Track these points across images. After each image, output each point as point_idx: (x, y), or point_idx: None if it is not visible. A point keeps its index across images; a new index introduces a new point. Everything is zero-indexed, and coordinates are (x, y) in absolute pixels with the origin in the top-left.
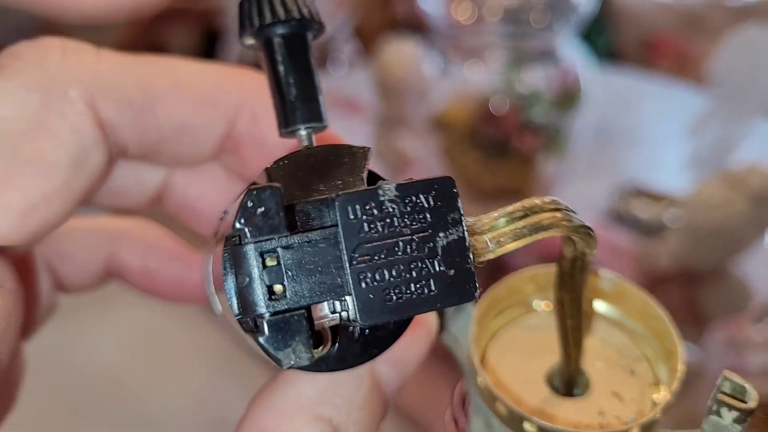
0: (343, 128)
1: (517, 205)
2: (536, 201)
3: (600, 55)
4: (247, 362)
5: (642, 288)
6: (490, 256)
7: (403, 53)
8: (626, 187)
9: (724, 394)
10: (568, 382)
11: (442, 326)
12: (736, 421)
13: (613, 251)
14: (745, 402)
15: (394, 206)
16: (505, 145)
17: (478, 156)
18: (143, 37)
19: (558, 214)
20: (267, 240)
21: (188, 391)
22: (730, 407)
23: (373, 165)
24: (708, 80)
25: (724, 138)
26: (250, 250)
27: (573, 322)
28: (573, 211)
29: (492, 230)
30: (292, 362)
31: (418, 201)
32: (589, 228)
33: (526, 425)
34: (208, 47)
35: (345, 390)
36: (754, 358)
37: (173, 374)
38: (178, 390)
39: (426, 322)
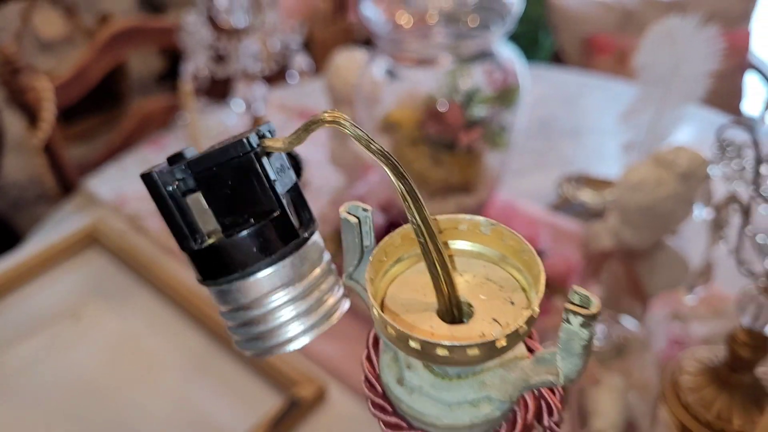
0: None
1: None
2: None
3: (546, 56)
4: (223, 363)
5: (518, 233)
6: (280, 147)
7: (353, 59)
8: (573, 177)
9: (572, 304)
10: (454, 313)
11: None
12: (582, 325)
13: (563, 236)
14: (589, 309)
15: None
16: (452, 142)
17: (427, 153)
18: (103, 56)
19: (327, 116)
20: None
21: (166, 395)
22: (576, 314)
23: (332, 170)
24: (636, 71)
25: (656, 125)
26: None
27: (435, 255)
28: (357, 125)
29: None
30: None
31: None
32: (369, 142)
33: (411, 343)
34: (170, 65)
35: None
36: (696, 328)
37: (150, 379)
38: (156, 394)
39: None
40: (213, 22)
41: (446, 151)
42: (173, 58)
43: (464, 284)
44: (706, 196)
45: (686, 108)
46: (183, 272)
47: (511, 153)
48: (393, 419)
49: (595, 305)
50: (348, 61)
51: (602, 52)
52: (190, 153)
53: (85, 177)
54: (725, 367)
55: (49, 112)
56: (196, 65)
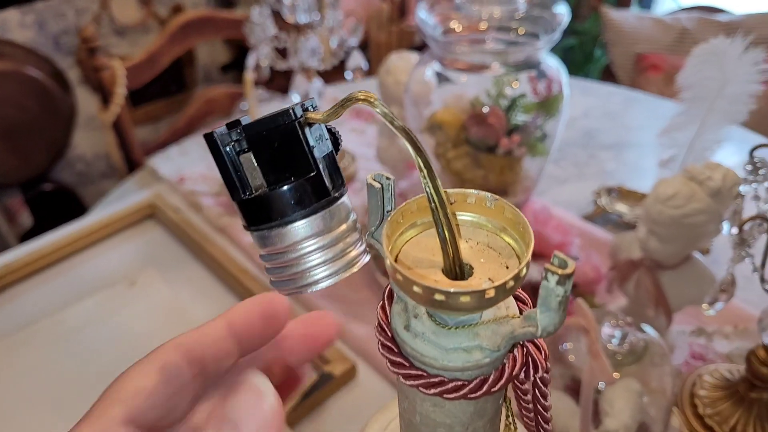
0: (350, 130)
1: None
2: (354, 92)
3: (598, 71)
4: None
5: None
6: (319, 119)
7: (406, 61)
8: (610, 189)
9: (551, 265)
10: (456, 271)
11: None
12: (558, 283)
13: (594, 244)
14: (564, 269)
15: None
16: (493, 145)
17: (468, 154)
18: (173, 43)
19: (360, 95)
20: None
21: None
22: (553, 273)
23: (379, 167)
24: (679, 88)
25: (696, 144)
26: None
27: (443, 220)
28: (385, 105)
29: (326, 111)
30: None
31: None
32: (393, 121)
33: (415, 288)
34: (235, 56)
35: None
36: (719, 345)
37: None
38: None
39: (255, 388)
40: (278, 17)
41: (486, 154)
42: (238, 49)
43: (467, 249)
44: (736, 214)
45: (728, 129)
46: (231, 249)
47: (550, 161)
48: (398, 359)
49: (570, 266)
50: (401, 62)
51: (653, 71)
52: (246, 121)
53: (149, 156)
54: (744, 383)
55: (120, 91)
56: (258, 57)
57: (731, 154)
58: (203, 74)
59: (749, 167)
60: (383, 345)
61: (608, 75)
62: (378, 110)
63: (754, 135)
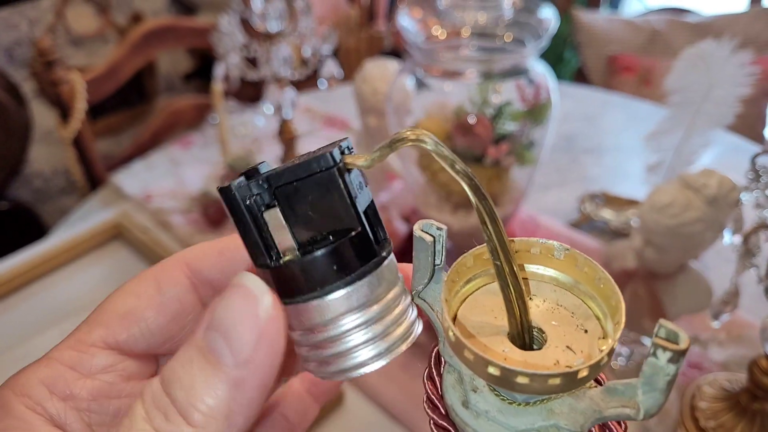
0: (325, 140)
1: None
2: (403, 131)
3: (570, 73)
4: None
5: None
6: (363, 164)
7: (383, 69)
8: (594, 195)
9: (660, 338)
10: (526, 338)
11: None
12: (670, 360)
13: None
14: (678, 344)
15: None
16: (480, 155)
17: None
18: (135, 54)
19: (410, 134)
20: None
21: None
22: (665, 349)
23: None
24: (665, 94)
25: (683, 148)
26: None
27: (510, 279)
28: (441, 144)
29: (371, 154)
30: None
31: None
32: (455, 165)
33: (490, 369)
34: (198, 65)
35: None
36: (715, 353)
37: None
38: None
39: (248, 290)
40: (247, 25)
41: (473, 164)
42: (201, 57)
43: (534, 309)
44: (737, 222)
45: (714, 132)
46: None
47: (541, 171)
48: None
49: (684, 341)
50: (378, 70)
51: (626, 72)
52: (265, 168)
53: (112, 172)
54: (745, 394)
55: (80, 106)
56: (227, 67)
57: (714, 158)
58: (165, 84)
59: (751, 175)
60: (437, 425)
61: (580, 77)
62: (432, 150)
63: (733, 137)
